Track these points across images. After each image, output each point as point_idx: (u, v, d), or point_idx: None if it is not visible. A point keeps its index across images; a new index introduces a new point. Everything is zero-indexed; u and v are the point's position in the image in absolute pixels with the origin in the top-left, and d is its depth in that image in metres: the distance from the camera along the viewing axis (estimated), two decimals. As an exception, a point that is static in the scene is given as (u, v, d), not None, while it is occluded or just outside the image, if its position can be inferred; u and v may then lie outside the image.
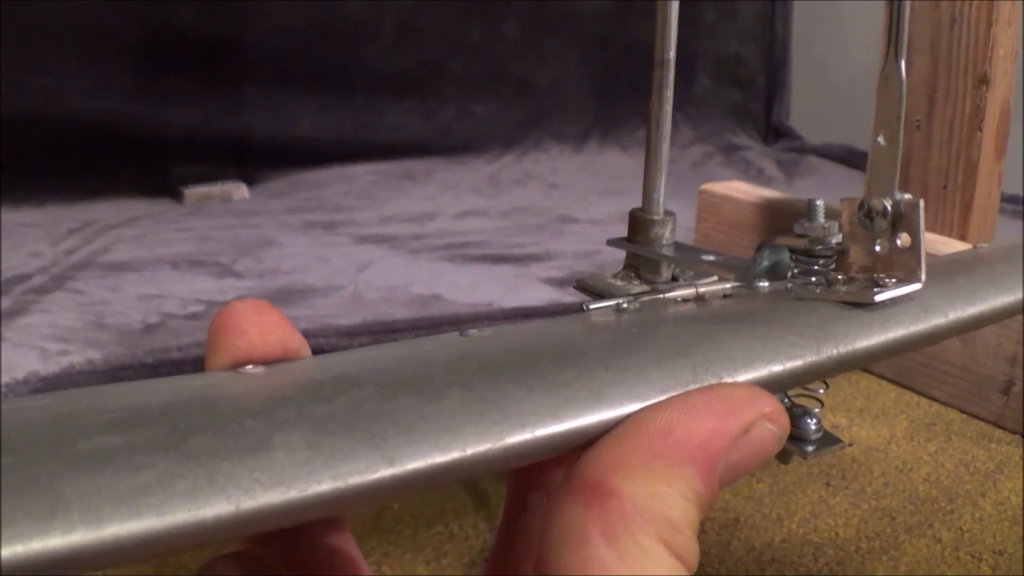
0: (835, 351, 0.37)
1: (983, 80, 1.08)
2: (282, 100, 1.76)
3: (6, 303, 1.09)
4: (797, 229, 0.44)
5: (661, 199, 0.53)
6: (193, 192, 1.60)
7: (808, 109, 2.31)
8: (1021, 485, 0.79)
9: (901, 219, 0.41)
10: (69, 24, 1.62)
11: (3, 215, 1.44)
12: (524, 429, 0.28)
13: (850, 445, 0.85)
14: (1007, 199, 1.87)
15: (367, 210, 1.56)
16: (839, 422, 0.89)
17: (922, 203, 0.41)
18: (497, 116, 1.95)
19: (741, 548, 0.69)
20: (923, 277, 0.41)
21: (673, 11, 0.51)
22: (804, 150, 2.18)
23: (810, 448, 0.40)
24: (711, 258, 0.49)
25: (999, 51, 1.09)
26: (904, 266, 0.41)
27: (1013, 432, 0.89)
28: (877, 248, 0.42)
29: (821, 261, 0.44)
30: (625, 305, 0.42)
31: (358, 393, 0.28)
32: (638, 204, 0.52)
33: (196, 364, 0.93)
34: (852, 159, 2.07)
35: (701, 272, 0.49)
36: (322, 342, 0.96)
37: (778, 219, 1.13)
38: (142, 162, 1.67)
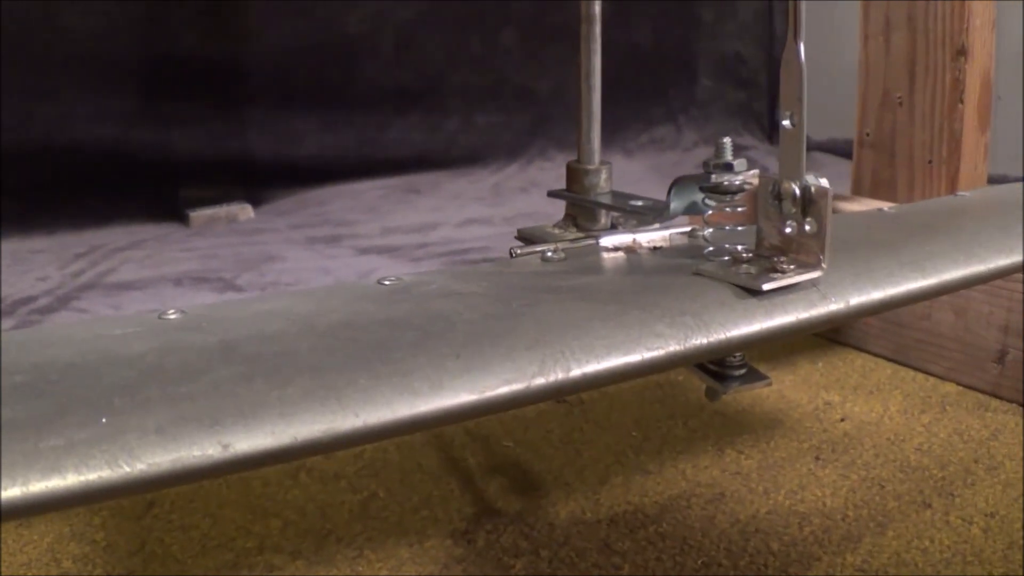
0: (705, 340, 0.38)
1: (961, 52, 1.08)
2: (285, 120, 1.78)
3: (10, 323, 1.11)
4: (706, 167, 0.45)
5: (596, 149, 0.55)
6: (199, 215, 1.62)
7: (812, 105, 2.28)
8: (1017, 450, 0.79)
9: (811, 205, 0.41)
10: (72, 54, 1.64)
11: (14, 243, 1.46)
12: (356, 417, 0.31)
13: (841, 420, 0.85)
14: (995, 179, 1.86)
15: (370, 223, 1.57)
16: (832, 399, 0.89)
17: (831, 191, 0.41)
18: (500, 126, 1.96)
19: (725, 521, 0.69)
20: (825, 265, 0.41)
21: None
22: (809, 146, 2.16)
23: (734, 384, 0.41)
24: (638, 203, 0.50)
25: (976, 21, 1.08)
26: (809, 251, 0.41)
27: (1010, 401, 0.88)
28: (787, 230, 0.42)
29: (728, 198, 0.44)
30: (550, 254, 0.44)
31: (222, 372, 0.32)
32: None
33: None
34: (857, 153, 2.06)
35: (626, 217, 0.50)
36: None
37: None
38: (149, 187, 1.69)
